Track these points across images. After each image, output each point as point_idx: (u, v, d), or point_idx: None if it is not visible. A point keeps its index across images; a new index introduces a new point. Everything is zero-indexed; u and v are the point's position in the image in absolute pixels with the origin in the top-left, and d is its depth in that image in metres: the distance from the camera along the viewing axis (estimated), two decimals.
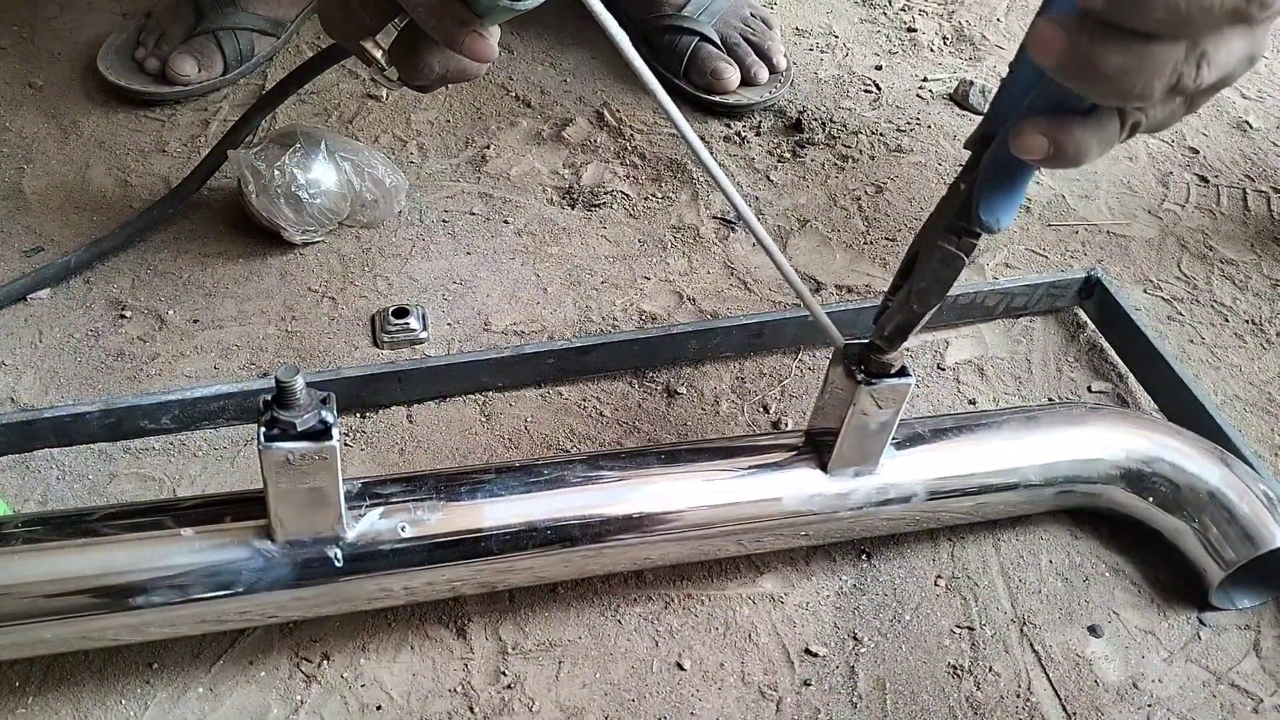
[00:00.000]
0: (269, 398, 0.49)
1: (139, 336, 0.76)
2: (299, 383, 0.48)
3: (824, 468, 0.60)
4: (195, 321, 0.78)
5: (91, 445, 0.68)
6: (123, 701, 0.56)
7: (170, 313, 0.78)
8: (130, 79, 0.96)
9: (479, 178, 0.93)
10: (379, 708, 0.57)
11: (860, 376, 0.56)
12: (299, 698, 0.57)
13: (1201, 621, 0.64)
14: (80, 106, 0.96)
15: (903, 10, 1.19)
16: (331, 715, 0.56)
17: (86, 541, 0.52)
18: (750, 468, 0.60)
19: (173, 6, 1.00)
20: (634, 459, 0.60)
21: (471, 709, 0.57)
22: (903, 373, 0.56)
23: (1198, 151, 1.01)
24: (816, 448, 0.61)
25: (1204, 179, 0.99)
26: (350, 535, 0.53)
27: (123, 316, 0.78)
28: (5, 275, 0.79)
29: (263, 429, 0.48)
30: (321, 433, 0.49)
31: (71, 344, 0.75)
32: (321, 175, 0.81)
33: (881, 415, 0.57)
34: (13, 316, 0.77)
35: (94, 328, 0.77)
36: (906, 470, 0.61)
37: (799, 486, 0.60)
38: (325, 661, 0.59)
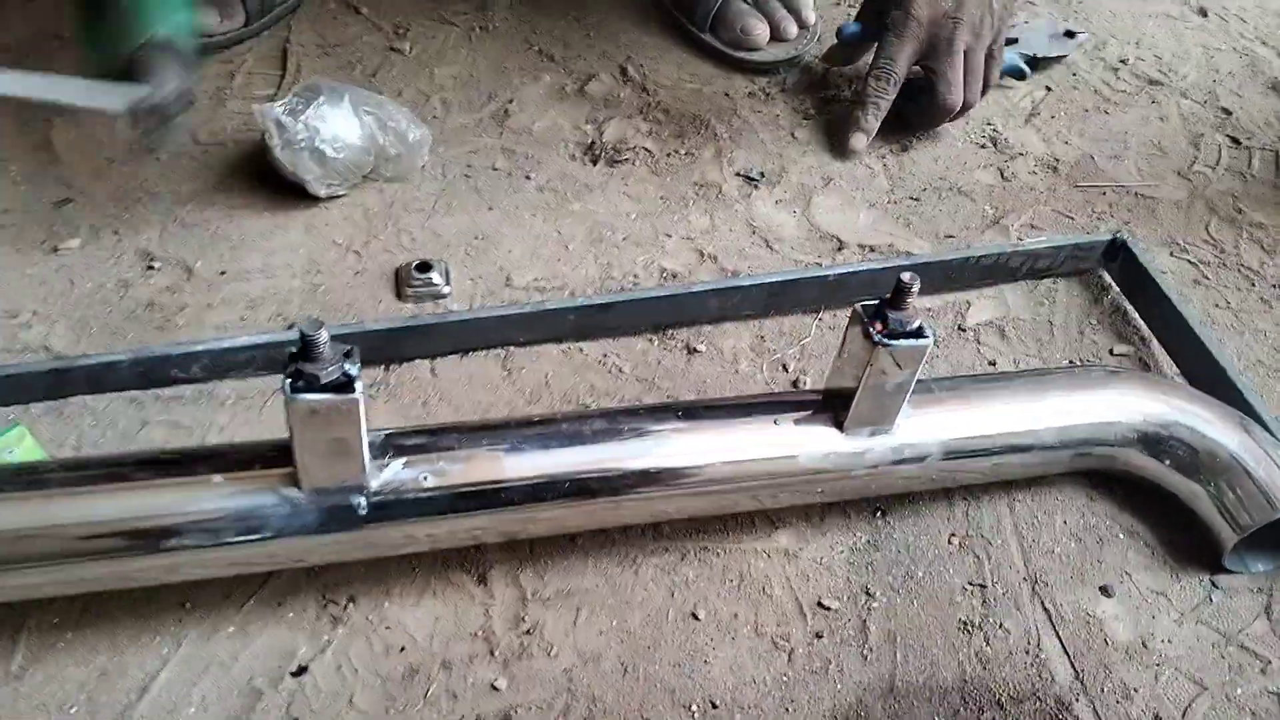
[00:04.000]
0: (294, 350, 0.49)
1: (167, 287, 0.77)
2: (323, 336, 0.49)
3: (840, 426, 0.61)
4: (222, 273, 0.79)
5: (123, 393, 0.70)
6: (157, 639, 0.58)
7: (198, 264, 0.79)
8: None
9: (501, 132, 0.93)
10: (402, 649, 0.59)
11: (877, 337, 0.56)
12: (326, 638, 0.59)
13: (1214, 584, 0.65)
14: None
15: None
16: (357, 655, 0.58)
17: (121, 486, 0.54)
18: (767, 425, 0.61)
19: None
20: (653, 414, 0.61)
21: (492, 652, 0.59)
22: (920, 333, 0.56)
23: (1231, 113, 1.00)
24: (833, 407, 0.61)
25: (1236, 140, 0.97)
26: (374, 484, 0.54)
27: (151, 267, 0.79)
28: (36, 225, 0.80)
29: (288, 381, 0.49)
30: (345, 385, 0.50)
31: (102, 294, 0.77)
32: (345, 129, 0.81)
33: (898, 375, 0.58)
34: (45, 266, 0.78)
35: (124, 278, 0.78)
36: (922, 430, 0.62)
37: (815, 444, 0.61)
38: (351, 604, 0.60)
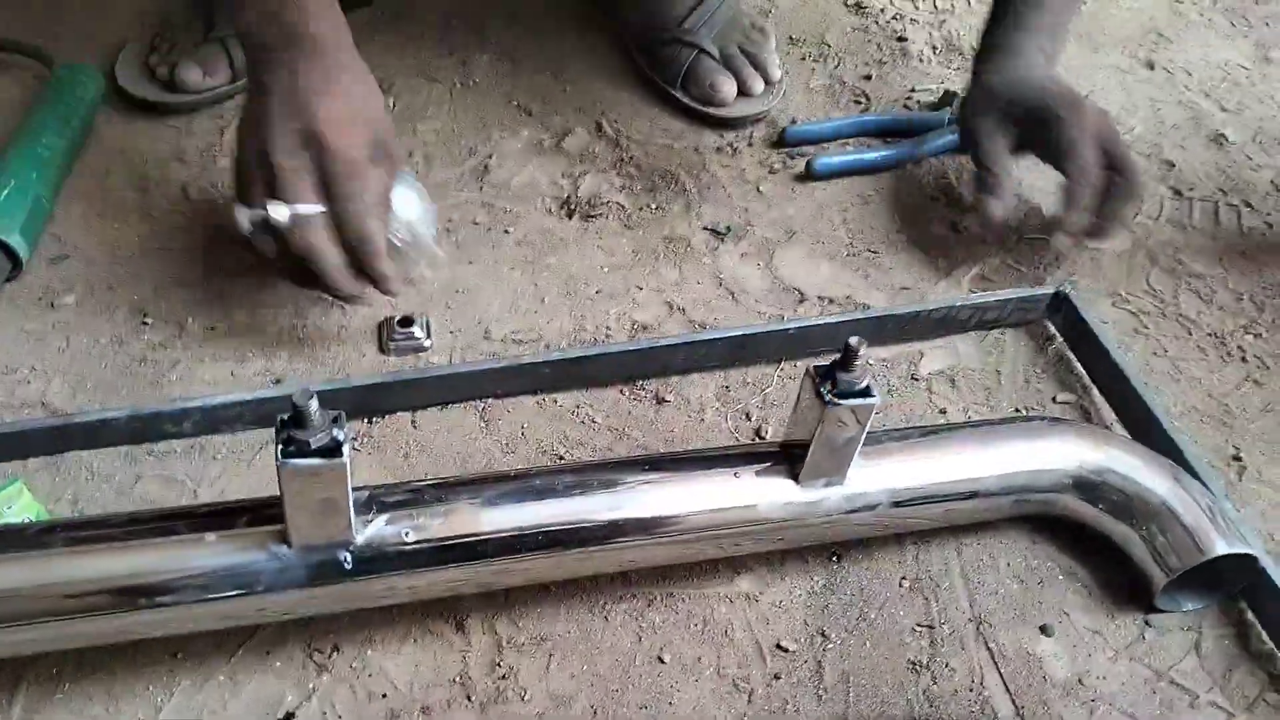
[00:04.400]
0: (285, 417, 0.53)
1: (160, 343, 0.81)
2: (313, 405, 0.53)
3: (796, 478, 0.65)
4: (213, 329, 0.82)
5: (118, 448, 0.73)
6: (150, 688, 0.61)
7: (189, 320, 0.83)
8: (144, 88, 1.01)
9: (481, 187, 0.97)
10: (384, 695, 0.62)
11: (827, 397, 0.60)
12: (311, 685, 0.62)
13: (1147, 623, 0.69)
14: (101, 114, 1.00)
15: (894, 19, 1.23)
16: (341, 702, 0.62)
17: (118, 545, 0.57)
18: (728, 477, 0.65)
19: (186, 16, 1.04)
20: (620, 468, 0.65)
21: (469, 698, 0.62)
22: (866, 393, 0.61)
23: (1174, 165, 1.05)
24: (790, 459, 0.65)
25: (1178, 192, 1.02)
26: (359, 540, 0.58)
27: (145, 323, 0.82)
28: (33, 281, 0.84)
29: (280, 446, 0.53)
30: (333, 450, 0.53)
31: (98, 350, 0.80)
32: None
33: (848, 431, 0.62)
34: (42, 322, 0.81)
35: (118, 334, 0.81)
36: (873, 480, 0.66)
37: (773, 495, 0.65)
38: (335, 653, 0.64)
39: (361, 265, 0.77)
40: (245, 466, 0.73)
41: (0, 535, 0.58)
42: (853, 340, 0.60)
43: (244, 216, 0.76)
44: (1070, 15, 0.96)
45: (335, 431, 0.54)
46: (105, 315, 0.83)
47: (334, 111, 0.75)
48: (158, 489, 0.72)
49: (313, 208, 0.75)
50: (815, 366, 0.62)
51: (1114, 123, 0.91)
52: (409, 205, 0.81)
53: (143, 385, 0.78)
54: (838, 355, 0.61)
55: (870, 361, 0.84)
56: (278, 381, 0.79)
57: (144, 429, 0.73)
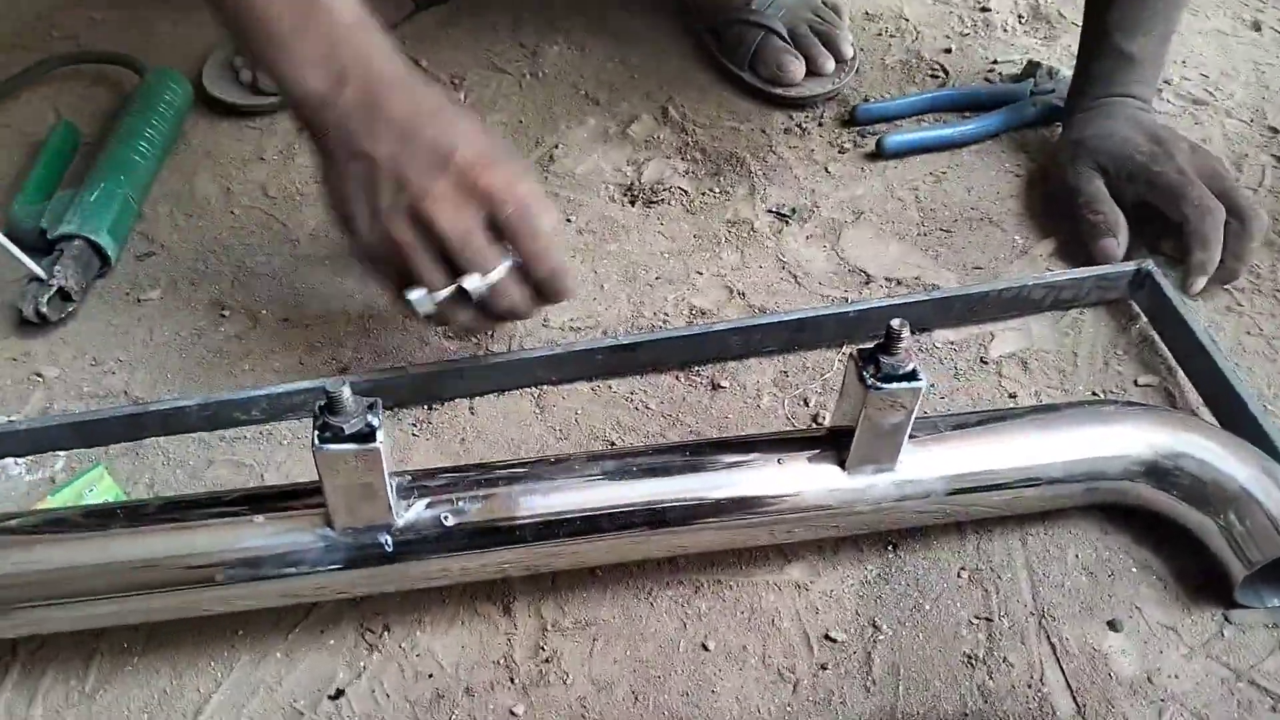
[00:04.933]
0: (321, 404, 0.55)
1: (236, 334, 0.84)
2: (346, 392, 0.54)
3: (843, 465, 0.63)
4: (285, 320, 0.85)
5: (192, 434, 0.76)
6: (212, 663, 0.64)
7: (263, 312, 0.86)
8: (229, 91, 1.05)
9: (547, 176, 0.98)
10: (430, 675, 0.63)
11: (869, 381, 0.58)
12: (362, 664, 0.64)
13: (1227, 619, 0.65)
14: (189, 118, 1.05)
15: None
16: (389, 680, 0.63)
17: (178, 526, 0.60)
18: (771, 463, 0.63)
19: None
20: (661, 454, 0.64)
21: (512, 679, 0.63)
22: (912, 376, 0.59)
23: (1278, 131, 0.98)
24: (837, 445, 0.64)
25: None
26: (399, 523, 0.59)
27: (223, 316, 0.86)
28: (121, 278, 0.89)
29: (316, 432, 0.54)
30: (368, 435, 0.55)
31: (178, 342, 0.84)
32: None
33: (894, 417, 0.60)
34: (128, 316, 0.86)
35: (198, 326, 0.85)
36: (925, 467, 0.64)
37: (819, 481, 0.63)
38: (386, 632, 0.65)
39: (545, 292, 0.70)
40: (309, 452, 0.75)
41: (73, 516, 0.62)
42: (894, 322, 0.58)
43: (428, 302, 0.67)
44: (1163, 53, 0.92)
45: (370, 418, 0.55)
46: (186, 309, 0.87)
47: (475, 144, 0.64)
48: (228, 473, 0.75)
49: (505, 264, 0.66)
50: (858, 350, 0.60)
51: (1215, 157, 0.86)
52: None
53: (218, 375, 0.81)
54: (879, 339, 0.59)
55: (937, 344, 0.81)
56: (344, 370, 0.81)
57: (215, 416, 0.76)
